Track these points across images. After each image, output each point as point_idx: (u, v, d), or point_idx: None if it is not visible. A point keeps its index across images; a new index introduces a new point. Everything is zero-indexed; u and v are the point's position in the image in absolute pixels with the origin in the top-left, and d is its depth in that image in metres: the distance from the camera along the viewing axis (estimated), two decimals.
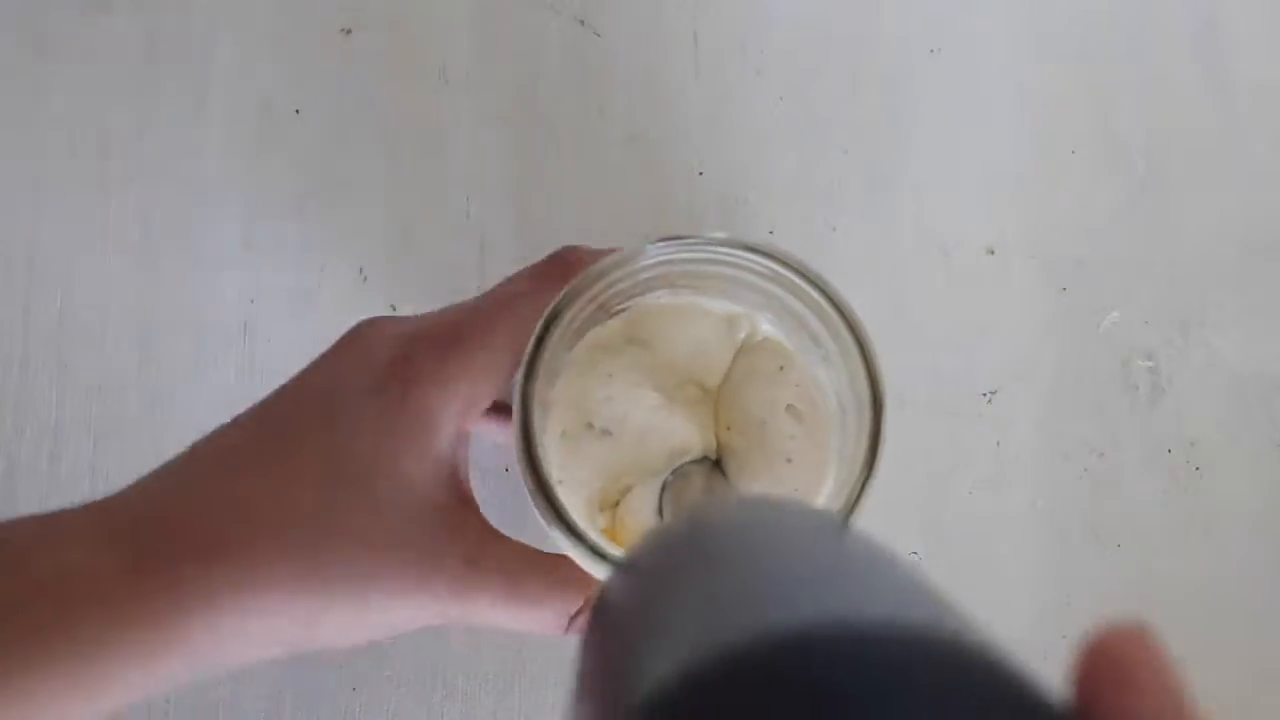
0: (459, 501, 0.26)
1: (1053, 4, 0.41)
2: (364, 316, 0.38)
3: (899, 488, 0.37)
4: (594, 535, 0.24)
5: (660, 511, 0.27)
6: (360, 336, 0.27)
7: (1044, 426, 0.38)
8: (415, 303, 0.38)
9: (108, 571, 0.22)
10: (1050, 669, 0.40)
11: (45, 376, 0.37)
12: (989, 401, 0.38)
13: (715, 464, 0.28)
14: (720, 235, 0.26)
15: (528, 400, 0.24)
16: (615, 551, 0.24)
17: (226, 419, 0.37)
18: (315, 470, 0.24)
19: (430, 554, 0.24)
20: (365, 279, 0.38)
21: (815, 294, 0.26)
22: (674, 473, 0.28)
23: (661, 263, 0.26)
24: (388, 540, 0.24)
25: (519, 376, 0.25)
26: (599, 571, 0.24)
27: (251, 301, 0.38)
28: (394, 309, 0.38)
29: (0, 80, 0.39)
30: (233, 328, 0.38)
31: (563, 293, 0.25)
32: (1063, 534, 0.38)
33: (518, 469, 0.24)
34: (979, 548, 0.38)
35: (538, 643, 0.36)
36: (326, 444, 0.25)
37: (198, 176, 0.39)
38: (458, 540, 0.25)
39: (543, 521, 0.24)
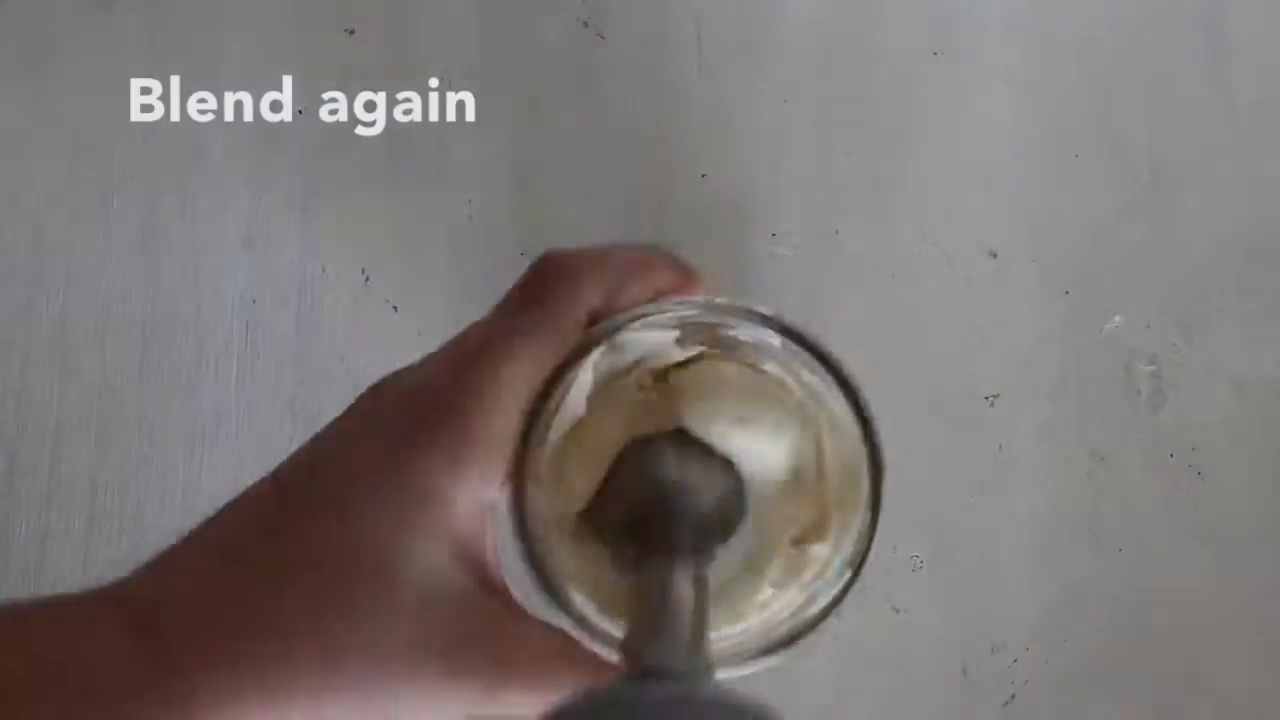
0: (482, 586, 0.23)
1: (1056, 6, 0.41)
2: (366, 317, 0.38)
3: (899, 492, 0.37)
4: (598, 619, 0.23)
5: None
6: (365, 410, 0.25)
7: (1046, 430, 0.38)
8: (417, 304, 0.38)
9: (123, 669, 0.21)
10: (1052, 673, 0.40)
11: (46, 376, 0.37)
12: (991, 405, 0.38)
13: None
14: (723, 301, 0.25)
15: (520, 500, 0.23)
16: (611, 631, 0.23)
17: (228, 420, 0.37)
18: (320, 567, 0.22)
19: (454, 656, 0.22)
20: (367, 280, 0.38)
21: (821, 368, 0.25)
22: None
23: (664, 326, 0.26)
24: (406, 643, 0.21)
25: (511, 459, 0.23)
26: (601, 650, 0.23)
27: (253, 302, 0.38)
28: (395, 310, 0.38)
29: (5, 78, 0.39)
30: (234, 328, 0.38)
31: (557, 364, 0.24)
32: (1064, 538, 0.38)
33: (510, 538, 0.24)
34: (980, 551, 0.37)
35: None
36: (330, 537, 0.22)
37: (200, 176, 0.39)
38: (484, 635, 0.22)
39: (539, 600, 0.24)
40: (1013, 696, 0.37)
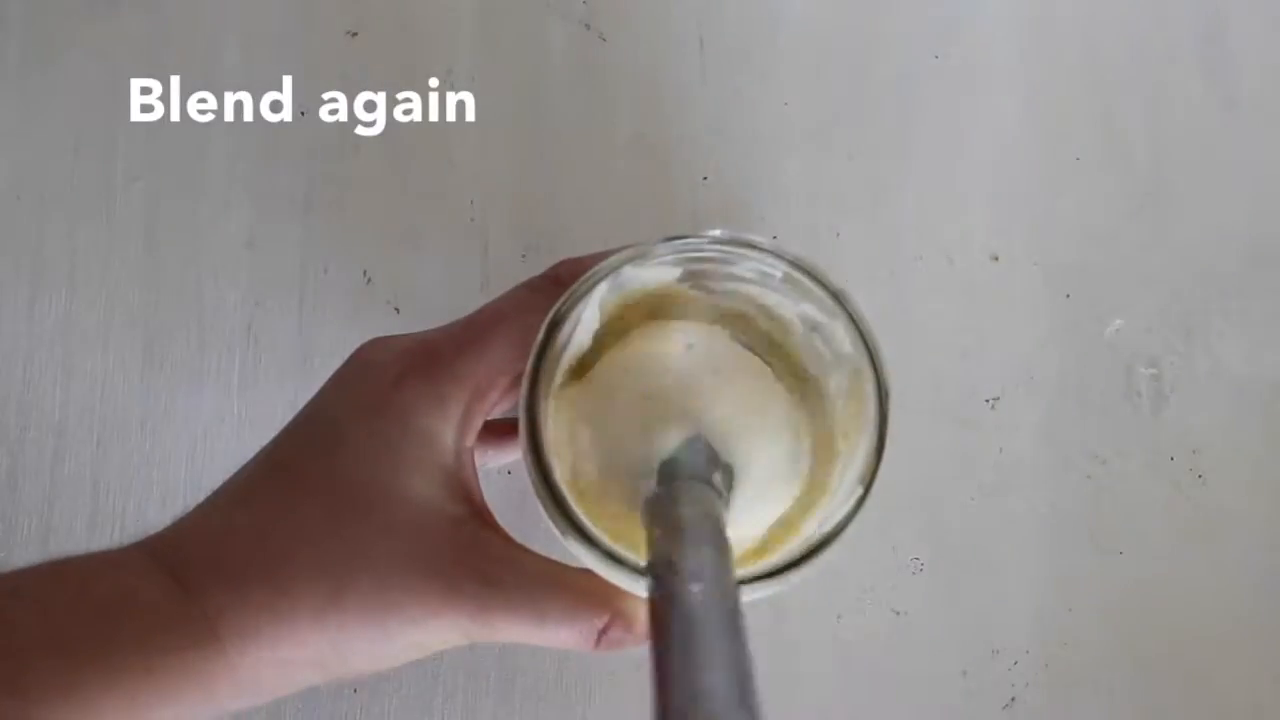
0: (473, 516, 0.25)
1: (1057, 10, 0.41)
2: (368, 318, 0.38)
3: (901, 493, 0.37)
4: (609, 541, 0.24)
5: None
6: (358, 361, 0.27)
7: (1046, 433, 0.38)
8: (418, 305, 0.38)
9: (161, 598, 0.23)
10: (1052, 676, 0.40)
11: (49, 376, 0.37)
12: (992, 408, 0.38)
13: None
14: (723, 233, 0.26)
15: (533, 410, 0.24)
16: (634, 558, 0.24)
17: (230, 420, 0.37)
18: (323, 498, 0.24)
19: (446, 576, 0.24)
20: (369, 281, 0.38)
21: (824, 295, 0.26)
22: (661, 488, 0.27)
23: (666, 263, 0.26)
24: (402, 564, 0.24)
25: (523, 387, 0.24)
26: (620, 579, 0.24)
27: (256, 303, 0.38)
28: (397, 311, 0.38)
29: (6, 79, 0.39)
30: (236, 329, 0.38)
31: (564, 296, 0.25)
32: (1065, 540, 0.38)
33: (529, 481, 0.24)
34: (981, 554, 0.38)
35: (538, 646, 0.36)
36: (331, 471, 0.25)
37: (202, 177, 0.39)
38: (474, 558, 0.24)
39: (556, 532, 0.24)
40: (1013, 699, 0.37)
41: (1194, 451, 0.38)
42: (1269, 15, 0.41)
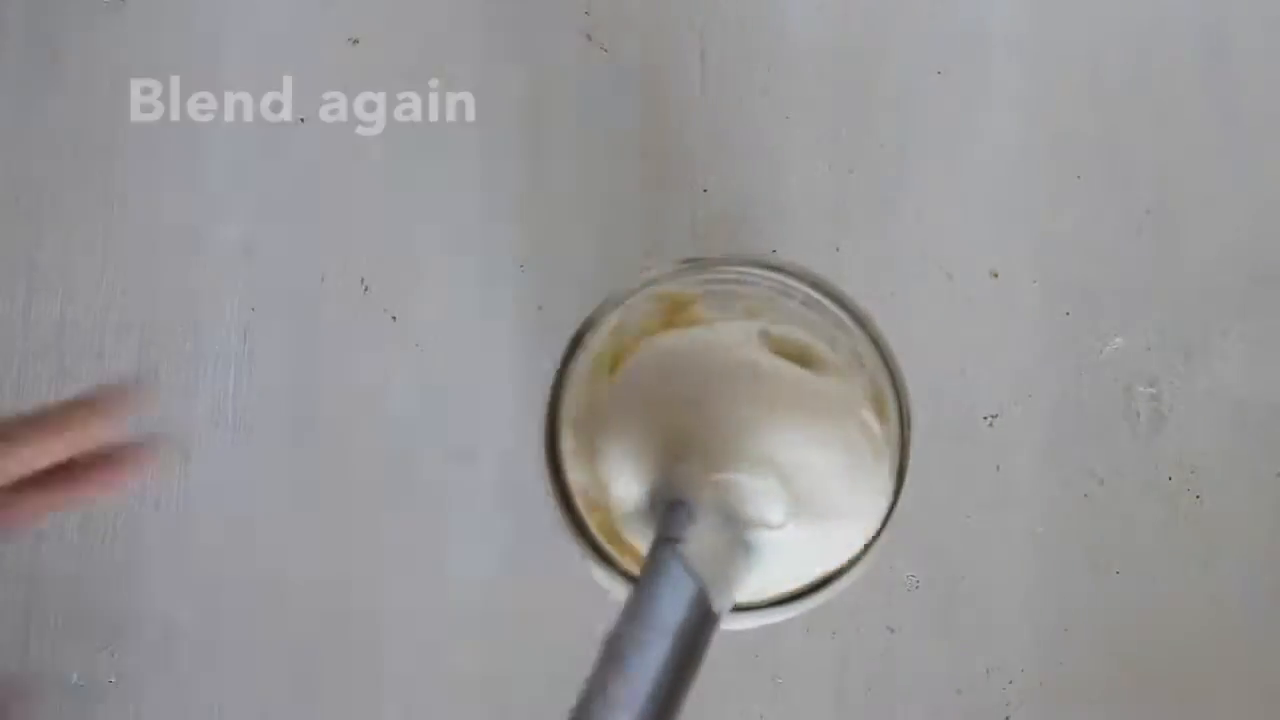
0: None
1: (1060, 28, 0.41)
2: (364, 327, 0.38)
3: (897, 510, 0.37)
4: (627, 562, 0.24)
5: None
6: None
7: (1044, 451, 0.38)
8: (416, 314, 0.38)
9: None
10: (1047, 695, 0.39)
11: (44, 380, 0.37)
12: (990, 425, 0.38)
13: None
14: (744, 255, 0.26)
15: (554, 430, 0.24)
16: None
17: (224, 427, 0.37)
18: None
19: None
20: (366, 289, 0.38)
21: (846, 317, 0.26)
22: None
23: (688, 285, 0.26)
24: None
25: (546, 407, 0.24)
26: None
27: (252, 309, 0.38)
28: (394, 320, 0.38)
29: (5, 79, 0.39)
30: (233, 335, 0.38)
31: (587, 318, 0.25)
32: (1062, 560, 0.38)
33: (549, 499, 0.24)
34: (977, 572, 0.37)
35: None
36: None
37: (201, 181, 0.38)
38: None
39: (577, 552, 0.24)
40: (1007, 718, 0.37)
41: (1192, 472, 0.38)
42: (1272, 34, 0.41)
